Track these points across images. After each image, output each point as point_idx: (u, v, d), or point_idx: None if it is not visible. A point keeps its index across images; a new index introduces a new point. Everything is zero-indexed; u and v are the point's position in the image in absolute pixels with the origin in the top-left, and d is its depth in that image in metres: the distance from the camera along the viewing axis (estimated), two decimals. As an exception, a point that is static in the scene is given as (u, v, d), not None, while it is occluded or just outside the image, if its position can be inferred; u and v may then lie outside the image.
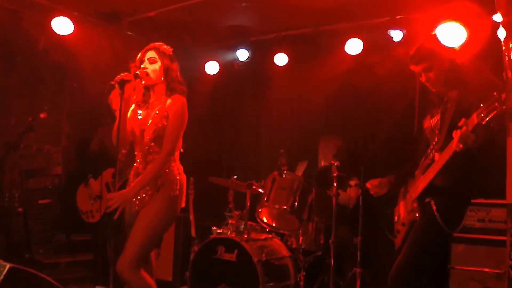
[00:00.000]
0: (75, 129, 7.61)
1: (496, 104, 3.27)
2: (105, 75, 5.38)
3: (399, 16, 6.60)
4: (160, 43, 4.24)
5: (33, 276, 2.67)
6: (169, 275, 7.01)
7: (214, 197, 8.01)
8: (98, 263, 5.77)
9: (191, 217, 6.90)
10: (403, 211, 4.26)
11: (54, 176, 7.13)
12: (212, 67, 8.22)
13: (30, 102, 7.04)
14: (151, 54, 4.17)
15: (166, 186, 4.07)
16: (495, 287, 5.17)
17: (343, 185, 6.29)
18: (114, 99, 5.67)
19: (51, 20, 6.59)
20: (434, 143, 3.97)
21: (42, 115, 6.12)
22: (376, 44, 6.99)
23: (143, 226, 3.99)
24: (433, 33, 5.42)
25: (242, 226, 6.02)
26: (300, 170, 6.74)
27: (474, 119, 3.39)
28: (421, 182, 3.98)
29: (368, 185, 4.48)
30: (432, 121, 4.06)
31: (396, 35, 6.66)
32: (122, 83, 3.96)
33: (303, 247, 6.13)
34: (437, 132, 3.98)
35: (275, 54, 7.64)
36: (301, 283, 5.93)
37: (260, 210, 6.06)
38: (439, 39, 4.64)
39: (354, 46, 6.99)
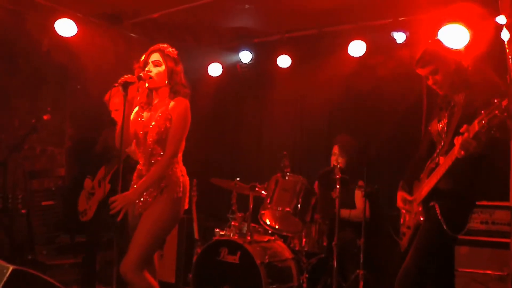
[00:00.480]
0: (78, 130, 7.61)
1: (497, 111, 3.26)
2: (108, 76, 5.41)
3: (402, 18, 6.60)
4: (165, 45, 4.24)
5: (36, 278, 2.67)
6: (172, 277, 7.01)
7: (217, 199, 8.01)
8: (87, 263, 5.73)
9: (194, 219, 6.90)
10: (409, 214, 4.26)
11: (57, 177, 7.12)
12: (215, 69, 8.22)
13: (33, 103, 7.04)
14: (155, 56, 4.17)
15: (169, 188, 4.07)
16: (498, 289, 5.17)
17: (346, 187, 6.27)
18: (112, 98, 5.69)
19: (54, 21, 6.59)
20: (440, 147, 3.97)
21: (45, 117, 6.12)
22: (379, 46, 6.99)
23: (146, 228, 4.00)
24: (437, 37, 5.42)
25: (245, 228, 6.01)
26: None
27: (475, 126, 3.38)
28: (426, 186, 3.97)
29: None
30: (439, 125, 4.06)
31: (399, 37, 6.65)
32: (126, 85, 3.97)
33: (306, 249, 6.12)
34: (443, 136, 3.97)
35: (278, 56, 7.64)
36: (304, 285, 5.93)
37: (263, 212, 6.05)
38: (443, 42, 4.63)
39: (357, 48, 6.98)
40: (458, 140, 3.49)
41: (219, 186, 6.66)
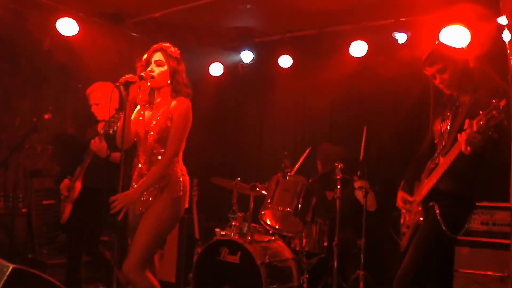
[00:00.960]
0: (79, 130, 7.61)
1: (494, 112, 3.25)
2: (109, 76, 5.41)
3: (403, 19, 6.60)
4: (168, 45, 4.23)
5: (36, 277, 2.67)
6: (172, 277, 7.02)
7: (217, 199, 8.02)
8: (70, 264, 5.72)
9: (195, 218, 6.91)
10: (408, 214, 4.26)
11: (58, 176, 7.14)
12: (216, 69, 8.23)
13: (34, 103, 7.05)
14: (158, 56, 4.17)
15: (170, 187, 4.07)
16: (498, 290, 5.17)
17: (347, 187, 6.28)
18: (92, 92, 5.70)
19: (56, 20, 6.60)
20: (441, 147, 3.97)
21: (46, 116, 6.13)
22: (381, 46, 6.98)
23: (147, 227, 4.00)
24: (437, 42, 5.42)
25: (246, 228, 6.01)
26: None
27: (474, 126, 3.37)
28: (426, 186, 3.98)
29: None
30: (442, 125, 4.05)
31: (401, 37, 6.66)
32: (127, 85, 3.97)
33: (306, 249, 6.11)
34: (445, 136, 3.97)
35: (280, 56, 7.64)
36: (304, 285, 5.94)
37: (263, 212, 6.05)
38: (447, 43, 4.64)
39: (358, 48, 6.99)
40: (462, 137, 3.47)
41: (219, 186, 6.66)
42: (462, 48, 4.25)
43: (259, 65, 8.20)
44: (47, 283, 2.72)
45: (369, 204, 6.23)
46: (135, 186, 4.10)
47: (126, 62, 6.90)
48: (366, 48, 6.97)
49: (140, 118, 4.22)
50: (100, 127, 5.56)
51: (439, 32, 5.83)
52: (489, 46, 5.46)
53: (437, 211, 3.81)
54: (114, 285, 4.11)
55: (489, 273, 5.24)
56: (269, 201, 5.94)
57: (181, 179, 4.14)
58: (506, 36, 4.88)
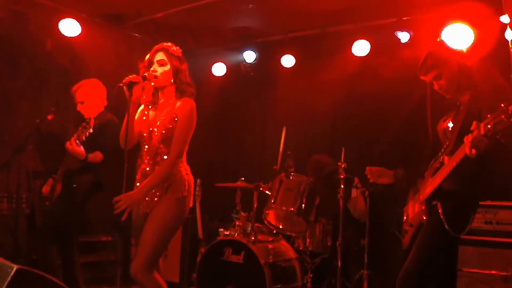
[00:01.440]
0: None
1: (503, 116, 3.22)
2: (111, 76, 5.41)
3: (406, 18, 6.59)
4: (169, 44, 4.23)
5: (40, 278, 2.67)
6: (176, 277, 7.02)
7: (221, 199, 8.01)
8: (65, 265, 5.69)
9: (198, 218, 6.90)
10: (411, 212, 4.25)
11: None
12: (219, 69, 8.25)
13: (36, 104, 7.04)
14: (160, 56, 4.16)
15: (174, 187, 4.07)
16: (502, 289, 5.16)
17: (350, 187, 6.28)
18: (78, 90, 5.67)
19: (57, 21, 6.62)
20: (445, 146, 3.96)
21: (49, 117, 6.12)
22: (383, 45, 6.98)
23: (153, 228, 4.00)
24: (439, 39, 5.40)
25: (249, 228, 6.01)
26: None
27: (481, 129, 3.34)
28: (430, 185, 3.96)
29: (367, 169, 4.43)
30: (444, 124, 4.05)
31: (403, 36, 6.65)
32: (130, 85, 3.97)
33: (310, 249, 6.12)
34: (448, 135, 3.96)
35: (282, 56, 7.65)
36: (308, 285, 5.93)
37: (267, 212, 6.05)
38: (446, 42, 4.62)
39: (361, 48, 6.99)
40: (468, 139, 3.43)
41: (223, 186, 6.66)
42: (457, 49, 4.23)
43: (261, 65, 8.21)
44: (51, 284, 2.72)
45: (361, 214, 6.26)
46: (140, 186, 4.10)
47: (128, 63, 6.91)
48: (369, 48, 6.98)
49: (144, 118, 4.22)
50: (92, 122, 5.53)
51: (442, 31, 5.83)
52: (492, 45, 5.46)
53: (440, 210, 3.81)
54: (118, 285, 4.11)
55: (493, 272, 5.23)
56: (272, 201, 5.94)
57: (186, 179, 4.14)
58: (508, 34, 4.89)
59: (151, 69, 4.12)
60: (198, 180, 6.44)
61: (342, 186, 5.92)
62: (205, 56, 8.19)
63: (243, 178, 6.28)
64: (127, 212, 3.90)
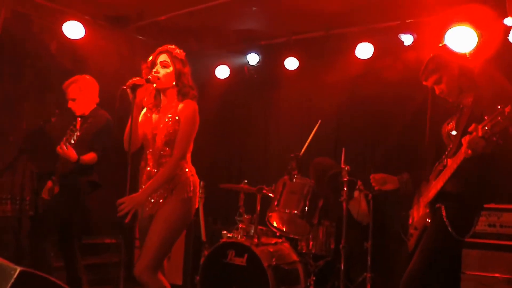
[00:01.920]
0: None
1: (499, 118, 3.23)
2: (114, 78, 5.40)
3: (409, 20, 6.59)
4: (173, 47, 4.24)
5: (43, 279, 2.67)
6: (179, 279, 7.02)
7: (224, 201, 8.02)
8: (67, 266, 5.67)
9: (202, 221, 6.90)
10: (416, 215, 4.25)
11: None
12: (222, 71, 8.25)
13: (40, 106, 7.04)
14: (163, 57, 4.17)
15: (180, 188, 4.08)
16: (505, 292, 5.15)
17: (354, 190, 6.27)
18: (69, 87, 5.62)
19: (61, 23, 6.63)
20: (449, 149, 3.96)
21: (53, 119, 6.12)
22: (387, 48, 6.98)
23: (158, 230, 4.00)
24: (441, 43, 5.40)
25: (252, 231, 6.00)
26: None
27: (479, 131, 3.36)
28: (433, 188, 3.96)
29: (371, 177, 4.45)
30: (448, 127, 4.05)
31: (407, 39, 6.64)
32: (134, 88, 3.97)
33: (313, 251, 6.11)
34: (452, 138, 3.96)
35: (286, 58, 7.65)
36: (311, 287, 5.93)
37: (270, 214, 6.05)
38: (448, 46, 4.62)
39: (364, 50, 6.99)
40: (465, 140, 3.46)
41: (226, 189, 6.67)
42: (459, 52, 4.24)
43: (265, 68, 8.22)
44: (54, 286, 2.72)
45: (364, 216, 6.26)
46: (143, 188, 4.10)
47: (131, 65, 6.92)
48: (372, 50, 6.97)
49: (147, 121, 4.23)
50: (79, 124, 5.50)
51: (445, 34, 5.82)
52: (496, 47, 5.46)
53: (444, 213, 3.80)
54: (121, 287, 4.11)
55: (497, 275, 5.22)
56: (276, 203, 5.95)
57: (191, 180, 4.15)
58: (512, 37, 4.88)
59: (154, 70, 4.13)
60: (202, 182, 6.44)
61: (345, 189, 5.91)
62: (208, 58, 8.20)
63: (246, 181, 6.27)
64: (131, 214, 3.90)
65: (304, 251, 6.14)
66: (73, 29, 6.69)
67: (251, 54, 8.02)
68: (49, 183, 5.51)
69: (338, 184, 6.14)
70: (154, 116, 4.22)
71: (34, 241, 5.42)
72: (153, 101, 4.24)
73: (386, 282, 6.11)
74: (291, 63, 7.67)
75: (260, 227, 6.03)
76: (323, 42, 7.51)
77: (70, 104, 5.63)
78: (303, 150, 6.48)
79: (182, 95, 4.17)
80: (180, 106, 4.13)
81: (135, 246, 7.34)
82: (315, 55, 7.73)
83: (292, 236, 6.23)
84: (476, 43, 5.65)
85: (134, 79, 3.99)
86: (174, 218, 4.05)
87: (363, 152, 7.32)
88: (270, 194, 6.08)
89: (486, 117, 3.30)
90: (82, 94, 5.60)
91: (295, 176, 6.01)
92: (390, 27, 6.81)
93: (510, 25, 5.70)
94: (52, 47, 7.03)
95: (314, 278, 5.95)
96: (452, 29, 5.79)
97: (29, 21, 6.82)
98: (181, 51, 4.26)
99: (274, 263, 5.58)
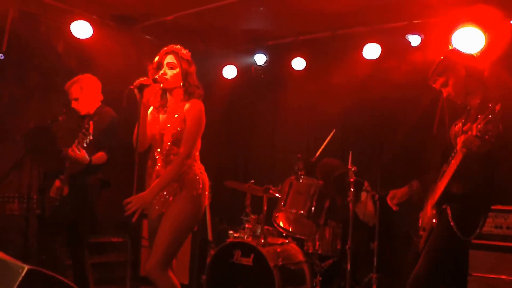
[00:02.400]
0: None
1: (490, 116, 3.24)
2: (121, 78, 5.41)
3: (416, 21, 6.58)
4: (179, 47, 4.25)
5: (50, 278, 2.68)
6: (185, 278, 7.03)
7: (231, 201, 8.02)
8: (75, 265, 5.68)
9: (208, 220, 6.91)
10: (425, 216, 4.26)
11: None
12: (229, 71, 8.25)
13: (47, 105, 7.06)
14: (170, 58, 4.18)
15: (189, 186, 4.10)
16: (512, 294, 5.13)
17: (360, 191, 6.27)
18: (71, 87, 5.61)
19: (69, 23, 6.65)
20: (455, 150, 3.96)
21: (61, 118, 6.13)
22: (394, 48, 6.96)
23: (168, 226, 4.02)
24: (450, 46, 5.40)
25: (259, 231, 6.01)
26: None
27: (473, 129, 3.38)
28: (438, 189, 3.97)
29: (389, 203, 4.46)
30: (456, 129, 4.05)
31: (414, 39, 6.63)
32: (141, 88, 3.98)
33: (319, 252, 6.11)
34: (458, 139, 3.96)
35: (293, 59, 7.65)
36: (317, 288, 5.93)
37: (276, 214, 6.06)
38: (457, 48, 4.62)
39: (372, 51, 6.98)
40: (460, 139, 3.49)
41: (233, 188, 6.67)
42: (466, 54, 4.23)
43: (272, 68, 8.21)
44: (62, 284, 2.73)
45: (370, 217, 6.26)
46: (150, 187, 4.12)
47: (138, 65, 6.94)
48: (380, 51, 6.96)
49: (155, 121, 4.24)
50: (86, 122, 5.49)
51: (453, 34, 5.81)
52: (504, 48, 5.45)
53: (449, 214, 3.80)
54: (127, 286, 4.12)
55: (503, 277, 5.21)
56: (282, 203, 5.95)
57: (200, 177, 4.17)
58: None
59: (161, 71, 4.14)
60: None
61: (352, 190, 5.91)
62: (215, 58, 8.21)
63: (253, 181, 6.27)
64: (138, 213, 3.92)
65: (310, 252, 6.14)
66: (81, 29, 6.71)
67: (258, 54, 8.01)
68: (57, 182, 5.51)
69: (344, 184, 6.14)
70: (161, 116, 4.24)
71: (43, 241, 5.43)
72: (160, 101, 4.26)
73: (392, 282, 6.10)
74: (298, 64, 7.67)
75: (266, 227, 6.04)
76: (330, 42, 7.50)
77: (74, 104, 5.62)
78: (315, 156, 6.49)
79: (189, 94, 4.19)
80: (187, 106, 4.14)
81: (142, 245, 7.36)
82: (322, 56, 7.73)
83: (298, 236, 6.23)
84: (483, 44, 5.64)
85: (141, 79, 4.01)
86: (184, 215, 4.08)
87: (370, 152, 7.30)
88: (277, 194, 6.08)
89: (479, 116, 3.33)
90: (84, 93, 5.58)
91: (302, 176, 6.00)
92: (398, 28, 6.80)
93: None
94: (59, 47, 7.05)
95: (320, 279, 5.95)
96: (459, 30, 5.78)
97: (36, 21, 6.84)
98: (187, 51, 4.28)
99: (280, 263, 5.59)
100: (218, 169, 7.95)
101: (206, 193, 4.24)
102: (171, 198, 4.10)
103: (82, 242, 5.60)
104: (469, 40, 5.69)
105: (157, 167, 4.23)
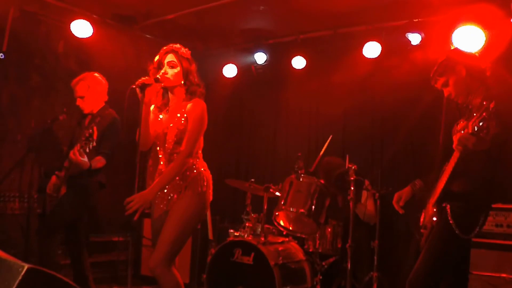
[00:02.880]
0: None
1: (484, 114, 3.25)
2: (121, 77, 5.41)
3: (417, 19, 6.57)
4: (179, 46, 4.25)
5: (51, 277, 2.68)
6: (186, 277, 7.03)
7: (231, 200, 8.02)
8: (73, 265, 5.66)
9: (209, 219, 6.91)
10: (426, 214, 4.26)
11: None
12: (230, 70, 8.24)
13: (48, 104, 7.06)
14: (170, 57, 4.18)
15: (193, 183, 4.11)
16: (512, 293, 5.13)
17: (361, 190, 6.26)
18: (77, 85, 5.57)
19: (69, 22, 6.65)
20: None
21: (61, 117, 6.13)
22: (394, 47, 6.96)
23: (173, 223, 4.04)
24: (452, 46, 5.40)
25: (259, 229, 6.02)
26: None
27: (469, 128, 3.38)
28: (438, 188, 3.97)
29: (396, 208, 4.45)
30: (457, 128, 4.05)
31: (415, 38, 6.62)
32: (143, 87, 3.98)
33: (320, 250, 6.11)
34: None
35: (293, 57, 7.64)
36: (318, 286, 5.92)
37: (277, 213, 6.05)
38: (458, 48, 4.62)
39: (372, 49, 6.97)
40: (456, 137, 3.51)
41: (233, 187, 6.67)
42: (468, 53, 4.23)
43: (272, 67, 8.21)
44: (62, 283, 2.73)
45: (371, 216, 6.27)
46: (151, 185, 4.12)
47: (138, 64, 6.95)
48: (380, 49, 6.96)
49: (158, 120, 4.25)
50: (87, 121, 5.47)
51: (453, 33, 5.81)
52: (504, 47, 5.45)
53: (449, 212, 3.81)
54: (129, 285, 4.12)
55: (504, 275, 5.20)
56: (282, 202, 5.95)
57: (204, 174, 4.19)
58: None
59: (162, 71, 4.14)
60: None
61: (352, 188, 5.91)
62: (216, 57, 8.21)
63: (253, 180, 6.28)
64: (140, 212, 3.92)
65: (311, 250, 6.14)
66: (81, 28, 6.71)
67: (259, 53, 8.00)
68: (54, 179, 5.49)
69: (345, 183, 6.14)
70: (164, 116, 4.25)
71: (41, 239, 5.43)
72: (162, 100, 4.27)
73: (392, 281, 6.11)
74: (298, 62, 7.67)
75: (267, 226, 6.04)
76: (330, 41, 7.51)
77: (79, 102, 5.57)
78: (314, 165, 6.49)
79: (190, 93, 4.19)
80: (189, 105, 4.15)
81: (143, 244, 7.36)
82: (323, 54, 7.73)
83: (299, 235, 6.23)
84: (483, 43, 5.64)
85: (143, 78, 4.01)
86: (189, 212, 4.09)
87: (371, 151, 7.31)
88: (277, 193, 6.08)
89: (474, 114, 3.34)
90: (91, 92, 5.54)
91: (302, 175, 6.00)
92: (398, 27, 6.79)
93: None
94: (60, 46, 7.06)
95: (320, 277, 5.95)
96: (459, 28, 5.78)
97: (37, 20, 6.85)
98: (187, 49, 4.28)
99: (281, 261, 5.58)
100: (219, 168, 7.95)
101: (210, 189, 4.25)
102: (175, 196, 4.11)
103: (80, 241, 5.60)
104: (469, 38, 5.69)
105: (160, 166, 4.24)
